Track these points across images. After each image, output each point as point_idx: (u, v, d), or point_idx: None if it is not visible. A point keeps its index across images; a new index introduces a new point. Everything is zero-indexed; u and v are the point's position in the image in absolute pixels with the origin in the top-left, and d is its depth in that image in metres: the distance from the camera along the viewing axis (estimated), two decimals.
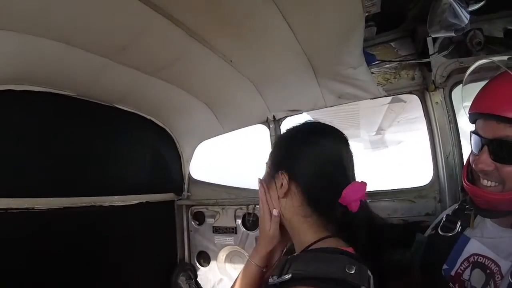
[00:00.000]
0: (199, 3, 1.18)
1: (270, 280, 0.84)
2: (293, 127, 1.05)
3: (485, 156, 0.95)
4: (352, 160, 0.97)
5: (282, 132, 1.17)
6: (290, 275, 0.79)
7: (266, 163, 1.04)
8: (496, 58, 1.15)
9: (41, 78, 1.51)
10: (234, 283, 1.04)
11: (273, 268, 0.95)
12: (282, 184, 0.94)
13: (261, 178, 1.04)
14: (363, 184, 0.91)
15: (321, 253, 0.86)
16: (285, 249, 1.08)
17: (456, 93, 1.72)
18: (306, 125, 1.06)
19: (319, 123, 1.05)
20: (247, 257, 1.45)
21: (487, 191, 0.97)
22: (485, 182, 0.98)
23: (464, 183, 1.06)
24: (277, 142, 1.08)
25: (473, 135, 1.02)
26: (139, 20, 1.23)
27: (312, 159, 0.95)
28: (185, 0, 1.17)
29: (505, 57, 1.27)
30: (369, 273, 0.81)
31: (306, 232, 0.93)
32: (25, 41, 1.22)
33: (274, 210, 0.98)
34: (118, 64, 1.50)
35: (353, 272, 0.78)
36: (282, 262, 0.86)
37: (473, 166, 1.00)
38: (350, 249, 0.87)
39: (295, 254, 0.93)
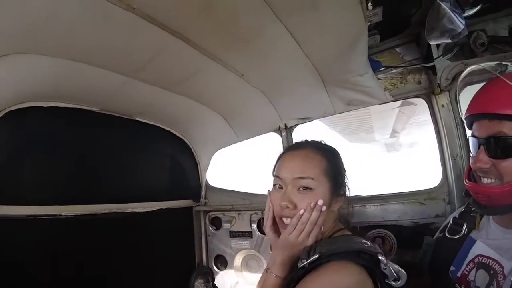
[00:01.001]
0: (211, 26, 1.26)
1: (299, 264, 0.96)
2: (328, 145, 1.19)
3: (482, 154, 1.00)
4: None
5: (333, 151, 1.17)
6: (317, 255, 0.93)
7: (316, 178, 1.05)
8: (485, 64, 1.20)
9: (66, 95, 1.61)
10: None
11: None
12: (344, 197, 1.12)
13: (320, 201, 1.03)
14: None
15: (339, 237, 1.04)
16: None
17: (463, 95, 1.72)
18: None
19: None
20: (263, 260, 1.54)
21: (487, 186, 1.01)
22: (485, 180, 1.02)
23: (465, 183, 1.10)
24: (334, 159, 1.14)
25: (471, 138, 1.08)
26: (157, 42, 1.32)
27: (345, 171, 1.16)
28: (198, 23, 1.25)
29: (494, 63, 1.32)
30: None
31: (329, 229, 1.09)
32: (52, 62, 1.31)
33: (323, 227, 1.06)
34: (137, 80, 1.59)
35: (369, 245, 0.95)
36: (307, 248, 1.00)
37: (472, 166, 1.05)
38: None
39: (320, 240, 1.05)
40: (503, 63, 1.33)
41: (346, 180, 1.15)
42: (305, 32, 1.37)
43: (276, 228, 1.14)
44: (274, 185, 1.12)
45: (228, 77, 1.65)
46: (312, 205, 1.01)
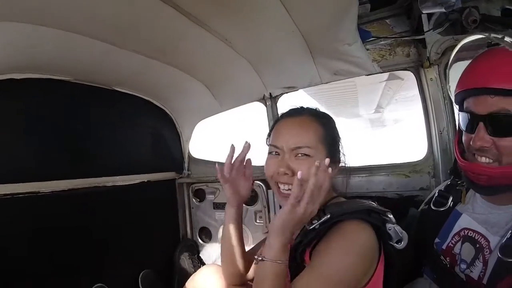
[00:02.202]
0: None
1: (309, 226, 0.94)
2: (323, 112, 1.16)
3: (482, 132, 0.94)
4: None
5: (329, 118, 1.13)
6: (328, 215, 0.93)
7: (314, 147, 1.01)
8: (492, 35, 1.14)
9: (42, 65, 1.54)
10: None
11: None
12: (339, 165, 1.11)
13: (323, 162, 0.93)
14: None
15: (344, 201, 1.06)
16: None
17: (451, 71, 1.71)
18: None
19: None
20: (247, 232, 1.52)
21: (488, 166, 0.96)
22: (482, 159, 0.97)
23: (460, 162, 1.06)
24: (330, 126, 1.11)
25: (464, 114, 1.02)
26: (138, 5, 1.24)
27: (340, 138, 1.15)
28: None
29: (499, 35, 1.26)
30: None
31: (326, 197, 1.05)
32: (26, 30, 1.23)
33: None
34: (116, 48, 1.51)
35: (376, 205, 0.98)
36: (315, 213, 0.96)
37: (471, 144, 0.98)
38: None
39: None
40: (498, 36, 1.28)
41: (341, 147, 1.13)
42: None
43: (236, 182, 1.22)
44: (270, 152, 1.09)
45: (212, 43, 1.57)
46: (317, 163, 0.88)
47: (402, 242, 0.95)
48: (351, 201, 1.02)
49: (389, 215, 0.96)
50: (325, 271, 0.87)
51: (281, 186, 1.05)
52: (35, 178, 1.55)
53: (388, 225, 0.95)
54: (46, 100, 1.64)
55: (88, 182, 1.80)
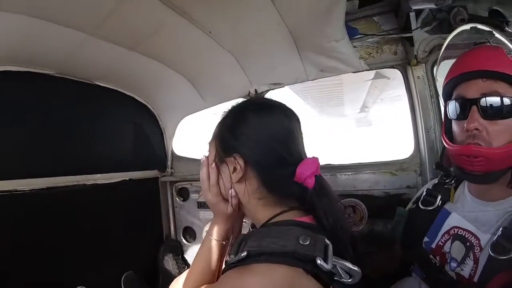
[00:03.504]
0: None
1: (228, 259, 0.83)
2: (240, 104, 0.99)
3: (476, 115, 0.94)
4: (303, 137, 0.97)
5: (226, 110, 0.99)
6: (245, 253, 0.78)
7: (210, 142, 0.98)
8: (480, 26, 1.15)
9: (20, 57, 1.47)
10: (195, 259, 1.04)
11: (231, 247, 0.95)
12: (236, 169, 0.90)
13: (207, 156, 0.99)
14: (315, 159, 0.90)
15: (275, 227, 0.85)
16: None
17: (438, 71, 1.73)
18: (254, 102, 1.04)
19: (268, 99, 1.04)
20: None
21: (486, 147, 0.94)
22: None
23: (450, 147, 1.04)
24: (225, 121, 0.96)
25: (454, 102, 1.02)
26: None
27: (264, 139, 0.90)
28: None
29: (488, 29, 1.28)
30: (326, 241, 0.79)
31: (263, 211, 0.91)
32: (3, 19, 1.16)
33: (231, 190, 0.93)
34: (97, 39, 1.44)
35: (307, 243, 0.77)
36: (239, 240, 0.85)
37: (465, 125, 0.96)
38: (306, 218, 0.87)
39: (251, 230, 0.96)
40: (486, 29, 1.29)
41: (250, 148, 0.90)
42: None
43: None
44: None
45: (195, 35, 1.52)
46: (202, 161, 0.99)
47: (352, 279, 0.77)
48: (279, 233, 0.81)
49: (318, 261, 0.74)
50: None
51: None
52: (11, 176, 1.48)
53: (325, 269, 0.75)
54: (24, 94, 1.57)
55: (68, 180, 1.73)
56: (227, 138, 0.93)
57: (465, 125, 0.96)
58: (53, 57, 1.55)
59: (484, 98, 0.93)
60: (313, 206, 0.87)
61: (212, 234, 1.01)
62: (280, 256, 0.76)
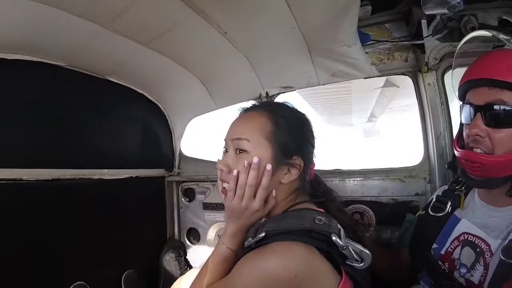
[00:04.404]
0: None
1: (246, 242, 0.89)
2: (293, 109, 1.08)
3: (479, 121, 0.96)
4: None
5: (290, 116, 1.05)
6: (263, 233, 0.84)
7: (256, 147, 0.96)
8: (501, 35, 1.17)
9: (33, 47, 1.47)
10: (209, 271, 0.99)
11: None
12: (293, 170, 0.99)
13: (256, 160, 0.93)
14: None
15: (292, 212, 0.94)
16: None
17: (448, 78, 1.73)
18: (298, 110, 1.11)
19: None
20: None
21: (482, 154, 0.97)
22: (477, 151, 0.99)
23: (456, 150, 1.07)
24: (287, 124, 1.01)
25: (464, 106, 1.04)
26: None
27: (310, 140, 1.06)
28: None
29: (506, 36, 1.29)
30: (340, 226, 0.87)
31: (287, 203, 1.00)
32: (19, 6, 1.17)
33: (273, 191, 0.98)
34: (111, 32, 1.45)
35: (322, 222, 0.85)
36: (255, 226, 0.92)
37: (467, 132, 1.01)
38: (321, 210, 0.96)
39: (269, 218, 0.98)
40: (501, 35, 1.29)
41: (308, 150, 1.05)
42: None
43: None
44: (223, 149, 1.06)
45: (210, 34, 1.53)
46: (246, 163, 0.92)
47: (363, 263, 0.83)
48: (298, 215, 0.91)
49: (333, 238, 0.81)
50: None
51: (225, 185, 1.00)
52: (17, 165, 1.47)
53: (340, 245, 0.82)
54: (36, 84, 1.58)
55: (74, 173, 1.73)
56: (289, 140, 0.99)
57: (467, 130, 1.01)
58: (65, 48, 1.56)
59: (488, 107, 0.96)
60: (325, 198, 1.02)
61: (233, 244, 0.97)
62: (296, 234, 0.82)
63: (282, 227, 0.84)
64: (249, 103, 1.14)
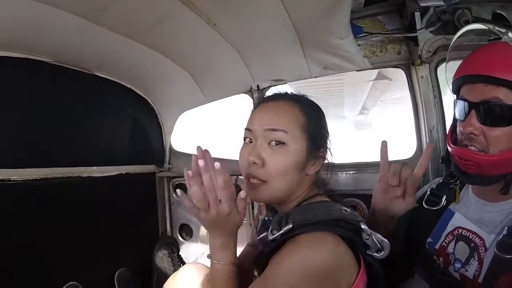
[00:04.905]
0: None
1: (270, 236, 0.84)
2: (313, 101, 1.06)
3: (474, 119, 0.94)
4: None
5: (315, 108, 1.03)
6: (290, 225, 0.81)
7: (292, 139, 0.91)
8: (496, 28, 1.14)
9: (18, 43, 1.44)
10: None
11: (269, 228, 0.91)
12: (319, 162, 0.99)
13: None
14: None
15: (315, 204, 0.92)
16: None
17: (441, 71, 1.73)
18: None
19: None
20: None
21: (476, 152, 0.95)
22: (472, 148, 0.97)
23: (449, 147, 1.05)
24: (316, 116, 1.00)
25: (459, 102, 1.01)
26: None
27: (328, 134, 1.05)
28: None
29: (503, 29, 1.26)
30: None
31: (302, 194, 0.98)
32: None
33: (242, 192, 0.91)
34: (97, 26, 1.41)
35: (349, 212, 0.85)
36: (276, 219, 0.88)
37: (461, 129, 0.99)
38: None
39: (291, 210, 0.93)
40: (497, 28, 1.27)
41: (327, 142, 1.03)
42: None
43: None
44: (244, 139, 0.98)
45: (200, 26, 1.49)
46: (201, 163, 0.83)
47: (383, 252, 0.83)
48: (322, 206, 0.89)
49: (362, 225, 0.82)
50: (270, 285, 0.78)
51: (252, 181, 0.92)
52: (5, 165, 1.44)
53: (364, 235, 0.82)
54: (21, 81, 1.54)
55: (63, 171, 1.70)
56: (318, 133, 0.99)
57: (461, 128, 0.99)
58: (51, 43, 1.52)
59: (483, 104, 0.93)
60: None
61: (228, 257, 0.91)
62: (324, 224, 0.80)
63: (309, 218, 0.82)
64: (270, 92, 1.13)
